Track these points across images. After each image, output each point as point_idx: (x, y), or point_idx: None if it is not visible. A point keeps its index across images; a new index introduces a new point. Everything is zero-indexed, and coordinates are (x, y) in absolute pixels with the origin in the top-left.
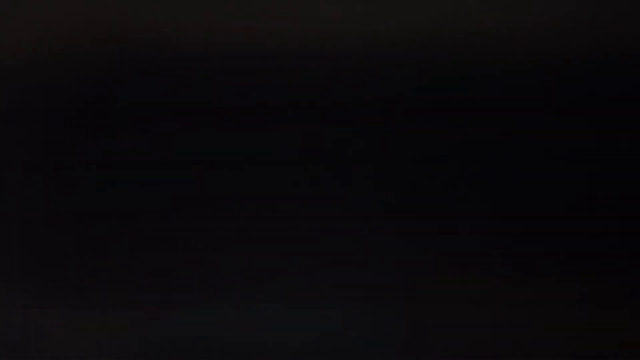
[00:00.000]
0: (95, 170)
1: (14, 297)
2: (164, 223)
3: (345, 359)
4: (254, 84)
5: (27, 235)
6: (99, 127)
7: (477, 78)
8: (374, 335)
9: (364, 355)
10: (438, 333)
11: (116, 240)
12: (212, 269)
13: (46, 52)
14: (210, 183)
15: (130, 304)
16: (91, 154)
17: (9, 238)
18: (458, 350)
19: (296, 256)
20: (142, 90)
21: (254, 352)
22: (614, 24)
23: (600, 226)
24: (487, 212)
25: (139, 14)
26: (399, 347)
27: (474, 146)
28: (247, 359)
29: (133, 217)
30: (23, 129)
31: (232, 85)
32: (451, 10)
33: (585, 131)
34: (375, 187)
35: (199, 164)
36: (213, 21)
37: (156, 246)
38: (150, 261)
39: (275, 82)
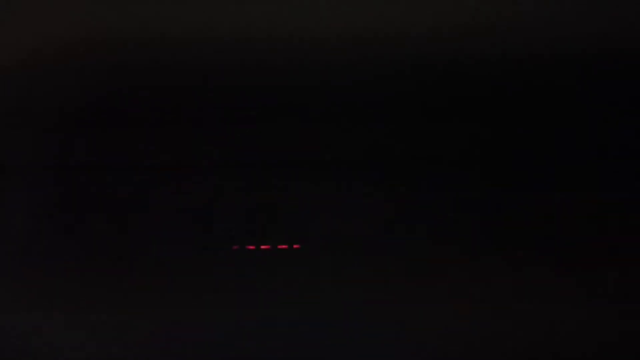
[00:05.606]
0: (95, 171)
1: (14, 298)
2: (164, 224)
3: (345, 358)
4: (252, 84)
5: (27, 236)
6: (99, 128)
7: (474, 77)
8: (373, 335)
9: (364, 355)
10: (437, 333)
11: (116, 242)
12: (212, 270)
13: (46, 54)
14: (210, 183)
15: (130, 305)
16: (90, 154)
17: (9, 239)
18: (458, 350)
19: (296, 255)
20: (141, 90)
21: (254, 351)
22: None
23: (600, 225)
24: (485, 211)
25: (138, 15)
26: (399, 347)
27: (473, 145)
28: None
29: (134, 218)
30: (22, 130)
31: (231, 85)
32: (448, 9)
33: (584, 130)
34: (374, 187)
35: (198, 164)
36: (211, 20)
37: (156, 247)
38: (151, 262)
39: (274, 82)
